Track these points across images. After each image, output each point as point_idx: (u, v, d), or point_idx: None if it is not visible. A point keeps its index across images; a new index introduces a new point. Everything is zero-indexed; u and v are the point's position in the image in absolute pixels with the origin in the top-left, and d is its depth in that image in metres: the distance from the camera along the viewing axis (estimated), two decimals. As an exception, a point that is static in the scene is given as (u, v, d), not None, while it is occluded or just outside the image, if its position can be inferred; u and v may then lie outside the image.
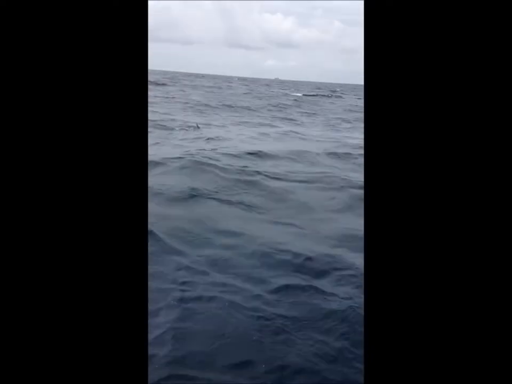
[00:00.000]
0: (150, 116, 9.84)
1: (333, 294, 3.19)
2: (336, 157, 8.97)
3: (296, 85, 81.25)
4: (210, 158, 7.65)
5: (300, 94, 39.78)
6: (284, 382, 2.33)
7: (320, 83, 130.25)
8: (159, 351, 2.47)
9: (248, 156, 8.28)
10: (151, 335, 2.55)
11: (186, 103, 20.82)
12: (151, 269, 2.98)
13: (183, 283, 3.24)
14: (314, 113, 21.54)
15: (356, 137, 12.20)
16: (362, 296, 2.99)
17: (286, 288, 3.27)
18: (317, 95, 40.91)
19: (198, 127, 12.24)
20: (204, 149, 8.69)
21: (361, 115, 20.74)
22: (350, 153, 9.33)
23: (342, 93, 48.51)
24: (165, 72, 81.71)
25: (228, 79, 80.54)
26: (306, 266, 3.67)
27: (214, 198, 5.51)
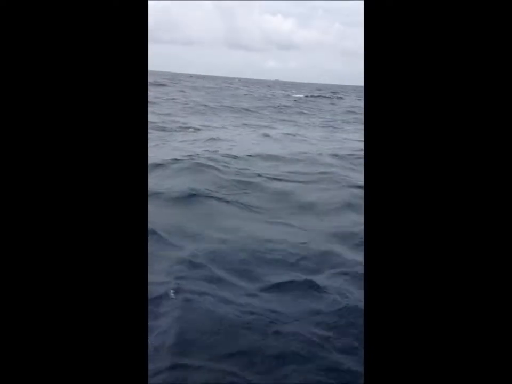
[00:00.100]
0: (149, 117, 9.81)
1: (327, 289, 3.27)
2: (336, 158, 8.92)
3: (296, 86, 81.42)
4: (209, 159, 7.62)
5: (301, 95, 39.74)
6: (278, 371, 2.39)
7: (321, 84, 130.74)
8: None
9: (248, 158, 8.24)
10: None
11: (187, 104, 20.77)
12: (150, 269, 3.02)
13: (180, 277, 3.32)
14: (315, 115, 21.48)
15: (356, 139, 12.14)
16: (356, 290, 3.23)
17: (281, 283, 3.35)
18: (318, 96, 40.89)
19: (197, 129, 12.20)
20: (204, 151, 8.66)
21: (362, 116, 20.67)
22: (351, 154, 9.28)
23: (343, 94, 48.50)
24: (165, 73, 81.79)
25: (229, 80, 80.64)
26: (302, 262, 3.77)
27: (213, 199, 5.50)
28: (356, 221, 4.82)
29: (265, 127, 14.55)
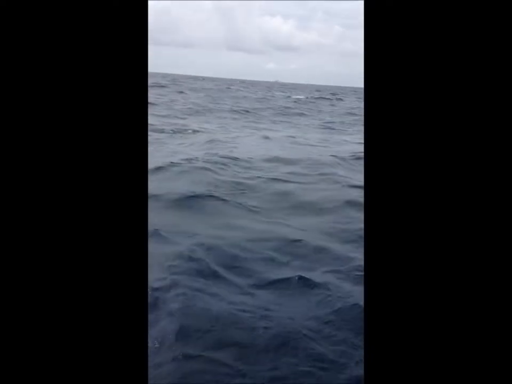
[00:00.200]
0: (148, 119, 9.74)
1: (321, 285, 3.35)
2: (337, 160, 8.87)
3: (296, 87, 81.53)
4: (208, 162, 7.58)
5: (300, 97, 39.72)
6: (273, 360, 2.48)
7: (320, 86, 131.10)
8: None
9: (248, 160, 8.19)
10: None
11: (186, 105, 20.73)
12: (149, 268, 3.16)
13: (176, 272, 3.41)
14: (315, 116, 21.45)
15: (357, 141, 12.10)
16: (350, 287, 3.32)
17: (275, 278, 3.45)
18: (319, 97, 40.89)
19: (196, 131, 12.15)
20: (203, 153, 8.62)
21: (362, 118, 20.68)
22: (351, 156, 9.23)
23: (343, 96, 48.51)
24: (164, 75, 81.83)
25: (229, 82, 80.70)
26: (296, 257, 3.90)
27: (211, 200, 5.51)
28: (352, 218, 4.96)
29: (265, 129, 14.50)
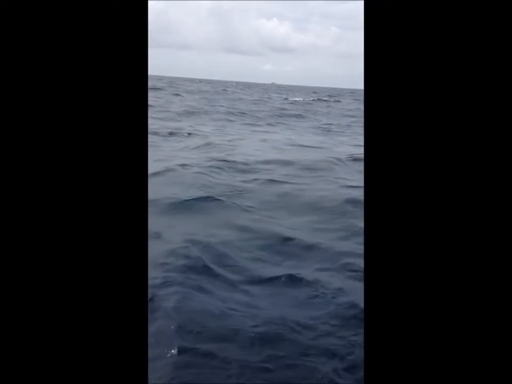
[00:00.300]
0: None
1: (315, 282, 3.44)
2: (334, 161, 8.82)
3: (293, 89, 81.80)
4: (203, 166, 7.53)
5: (297, 99, 39.70)
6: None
7: (317, 87, 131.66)
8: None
9: (244, 162, 8.14)
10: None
11: (183, 108, 20.65)
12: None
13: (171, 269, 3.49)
14: (313, 118, 21.42)
15: (355, 143, 12.06)
16: (341, 283, 3.43)
17: (268, 275, 3.54)
18: (317, 99, 40.94)
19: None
20: (198, 156, 8.57)
21: (361, 119, 20.67)
22: (348, 157, 9.18)
23: (340, 98, 48.61)
24: (161, 77, 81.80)
25: (225, 84, 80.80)
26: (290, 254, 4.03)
27: (207, 202, 5.50)
28: (347, 217, 5.13)
29: (262, 131, 14.43)
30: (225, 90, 48.36)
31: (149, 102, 19.74)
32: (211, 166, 7.54)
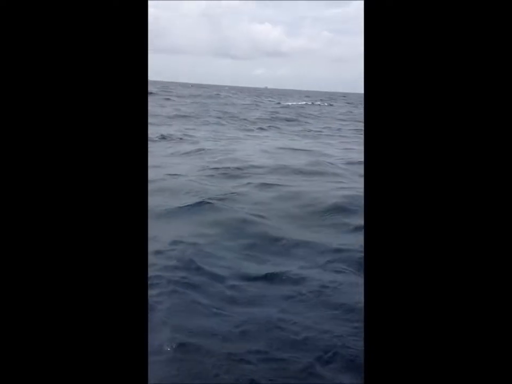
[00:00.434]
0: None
1: (308, 279, 3.53)
2: (327, 164, 8.82)
3: (285, 93, 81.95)
4: (196, 171, 7.52)
5: (290, 103, 39.77)
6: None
7: (310, 91, 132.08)
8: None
9: (237, 167, 8.13)
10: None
11: (175, 112, 20.62)
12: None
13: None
14: (307, 122, 21.45)
15: (343, 147, 12.09)
16: (332, 278, 3.52)
17: (261, 272, 3.62)
18: (310, 103, 41.05)
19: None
20: (190, 162, 8.56)
21: (355, 123, 20.76)
22: (341, 161, 9.18)
23: (333, 102, 48.79)
24: (154, 82, 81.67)
25: (218, 88, 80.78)
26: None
27: (202, 205, 5.52)
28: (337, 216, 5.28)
29: (254, 136, 14.43)
30: (217, 94, 48.36)
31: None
32: (203, 170, 7.53)
